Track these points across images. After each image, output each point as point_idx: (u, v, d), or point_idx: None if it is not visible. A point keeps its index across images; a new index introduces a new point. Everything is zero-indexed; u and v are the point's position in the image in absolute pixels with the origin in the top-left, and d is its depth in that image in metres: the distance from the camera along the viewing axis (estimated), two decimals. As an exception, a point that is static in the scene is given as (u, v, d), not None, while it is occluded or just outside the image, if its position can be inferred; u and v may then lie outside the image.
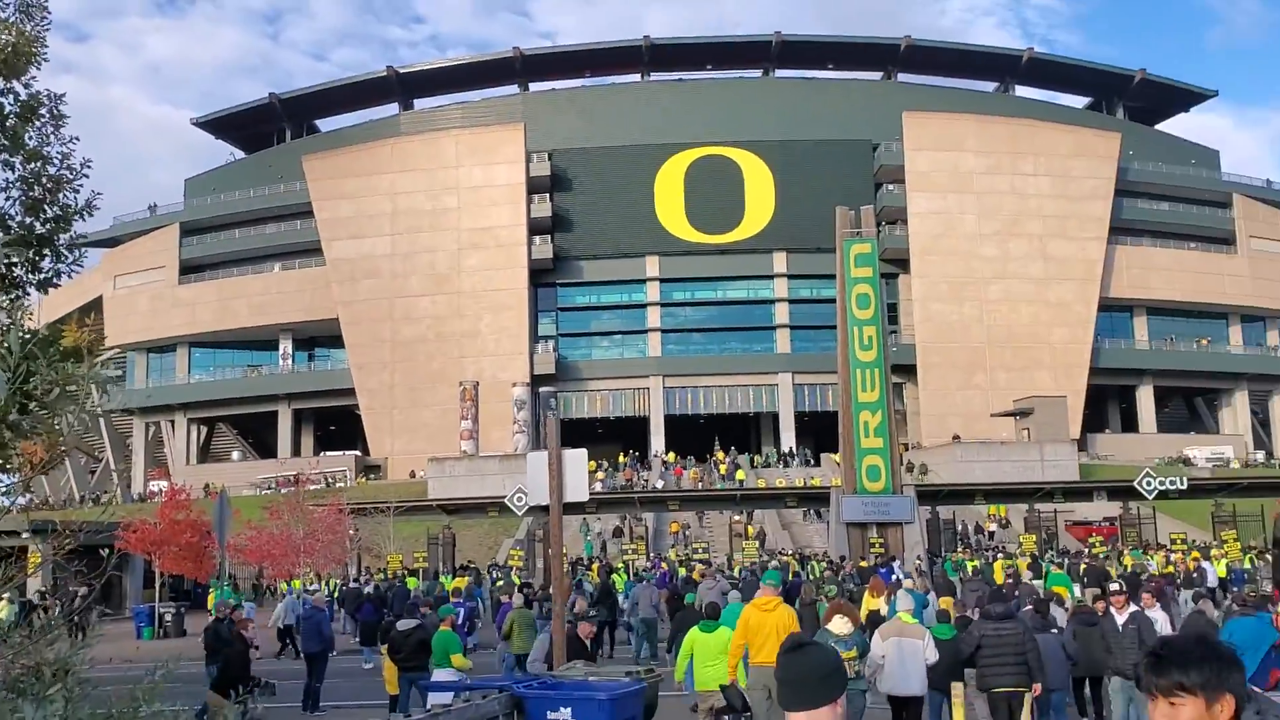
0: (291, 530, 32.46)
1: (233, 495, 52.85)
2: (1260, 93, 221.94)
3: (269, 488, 54.00)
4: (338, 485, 57.54)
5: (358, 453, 70.59)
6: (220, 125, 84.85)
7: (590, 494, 56.18)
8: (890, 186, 71.85)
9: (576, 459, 10.59)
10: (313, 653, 17.13)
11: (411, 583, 30.11)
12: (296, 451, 72.42)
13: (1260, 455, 73.37)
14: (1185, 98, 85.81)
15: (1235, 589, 23.41)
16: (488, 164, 71.62)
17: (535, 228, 71.83)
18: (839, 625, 9.73)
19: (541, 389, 66.12)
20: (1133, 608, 11.90)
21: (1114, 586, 12.41)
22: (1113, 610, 12.02)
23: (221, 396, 74.75)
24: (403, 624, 14.29)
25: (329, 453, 71.43)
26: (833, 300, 48.92)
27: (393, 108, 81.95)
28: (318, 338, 75.17)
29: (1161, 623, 12.64)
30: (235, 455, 77.18)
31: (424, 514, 46.84)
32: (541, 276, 72.77)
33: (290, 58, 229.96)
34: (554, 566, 10.18)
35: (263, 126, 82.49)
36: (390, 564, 35.78)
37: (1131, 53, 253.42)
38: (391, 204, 71.75)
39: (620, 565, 37.99)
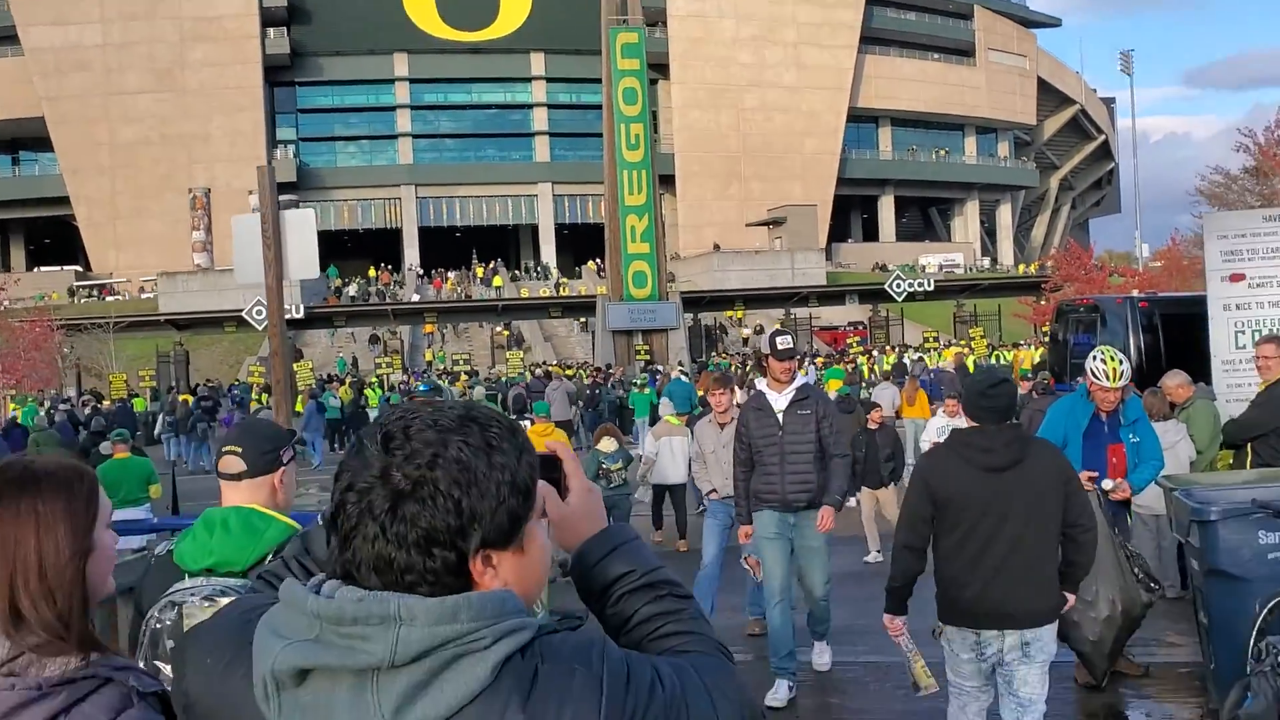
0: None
1: (-74, 316, 47.10)
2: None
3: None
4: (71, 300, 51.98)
5: (78, 267, 64.22)
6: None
7: (339, 305, 52.78)
8: (650, -13, 69.37)
9: (301, 220, 8.21)
10: None
11: (139, 404, 27.34)
12: (5, 267, 65.12)
13: (986, 262, 78.20)
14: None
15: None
16: (211, -56, 64.05)
17: (269, 19, 65.31)
18: (607, 444, 10.88)
19: (281, 198, 61.29)
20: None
21: (783, 344, 6.68)
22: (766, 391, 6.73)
23: (-93, 208, 65.86)
24: (109, 445, 11.42)
25: (44, 268, 64.65)
26: (594, 106, 47.18)
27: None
28: (21, 139, 66.60)
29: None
30: (-70, 274, 68.85)
31: (152, 330, 42.96)
32: (278, 74, 66.80)
33: None
34: (275, 368, 8.10)
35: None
36: (113, 384, 32.46)
37: None
38: (99, -14, 63.37)
39: (374, 380, 36.07)
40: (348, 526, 1.24)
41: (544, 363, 41.89)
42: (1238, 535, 4.97)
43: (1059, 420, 6.32)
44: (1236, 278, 8.25)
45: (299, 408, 25.41)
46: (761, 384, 6.90)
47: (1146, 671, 6.15)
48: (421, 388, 7.22)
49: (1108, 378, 5.98)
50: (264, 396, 29.17)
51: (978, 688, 4.57)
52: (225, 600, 2.43)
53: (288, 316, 40.47)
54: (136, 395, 30.82)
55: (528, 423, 11.69)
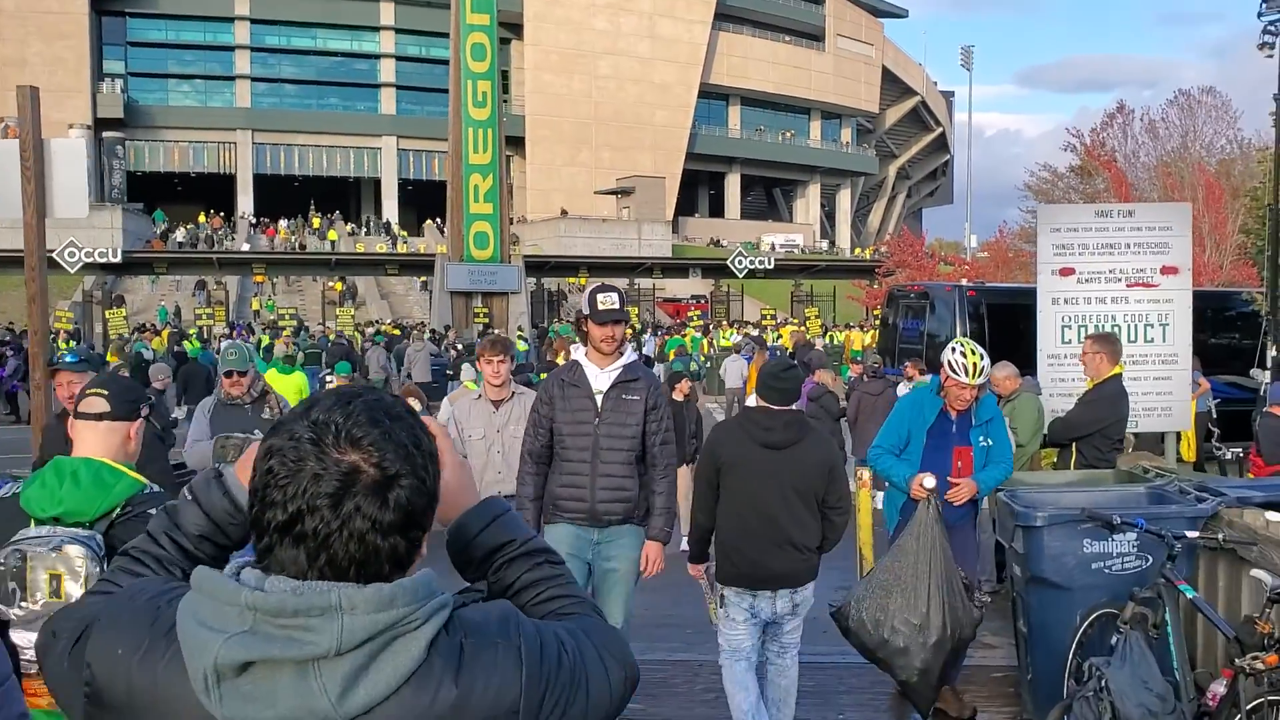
0: None
1: None
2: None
3: None
4: None
5: None
6: None
7: (164, 250, 50.16)
8: (507, -57, 67.81)
9: (70, 151, 7.27)
10: None
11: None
12: None
13: (825, 244, 79.94)
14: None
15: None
16: None
17: (97, -59, 61.28)
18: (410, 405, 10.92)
19: (106, 134, 57.98)
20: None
21: (606, 302, 5.10)
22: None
23: None
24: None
25: None
26: (443, 61, 45.79)
27: None
28: None
29: None
30: None
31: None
32: (106, 2, 62.71)
33: None
34: (31, 316, 7.21)
35: None
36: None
37: None
38: (-97, -110, 58.13)
39: (193, 332, 34.22)
40: (326, 530, 1.26)
41: (377, 320, 40.66)
42: (1062, 543, 4.78)
43: (904, 415, 5.68)
44: (1066, 272, 8.26)
45: (111, 358, 23.84)
46: (579, 353, 5.15)
47: (974, 714, 5.57)
48: (68, 358, 6.34)
49: (967, 373, 5.31)
50: (70, 344, 27.23)
51: (751, 647, 4.91)
52: (72, 549, 2.63)
53: (104, 260, 38.11)
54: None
55: (333, 379, 11.12)
